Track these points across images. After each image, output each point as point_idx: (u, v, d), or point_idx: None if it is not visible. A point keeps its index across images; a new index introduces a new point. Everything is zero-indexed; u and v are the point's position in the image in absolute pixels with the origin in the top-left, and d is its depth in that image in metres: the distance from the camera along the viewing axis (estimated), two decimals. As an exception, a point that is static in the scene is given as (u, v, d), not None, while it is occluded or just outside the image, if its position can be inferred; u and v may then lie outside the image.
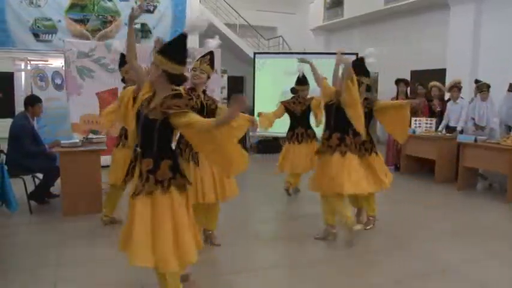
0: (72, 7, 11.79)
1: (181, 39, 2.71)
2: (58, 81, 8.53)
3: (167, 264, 2.62)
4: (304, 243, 4.35)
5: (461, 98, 7.47)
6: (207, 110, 3.79)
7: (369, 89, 4.51)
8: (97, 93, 7.68)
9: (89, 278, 3.49)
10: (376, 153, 4.64)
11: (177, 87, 2.83)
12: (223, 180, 3.82)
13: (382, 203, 6.28)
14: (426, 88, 8.28)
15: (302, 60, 5.23)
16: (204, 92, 3.91)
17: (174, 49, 2.70)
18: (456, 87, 7.39)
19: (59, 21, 11.59)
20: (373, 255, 4.12)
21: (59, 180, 5.27)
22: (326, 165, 4.21)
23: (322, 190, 4.29)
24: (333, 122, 4.26)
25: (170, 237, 2.62)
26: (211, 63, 3.90)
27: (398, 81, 8.39)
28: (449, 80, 8.40)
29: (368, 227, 4.77)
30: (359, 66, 4.26)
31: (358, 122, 4.05)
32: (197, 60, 3.88)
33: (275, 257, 4.15)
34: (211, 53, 3.94)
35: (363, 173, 4.25)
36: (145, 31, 12.60)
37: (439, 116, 7.91)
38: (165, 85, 2.70)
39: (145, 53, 8.20)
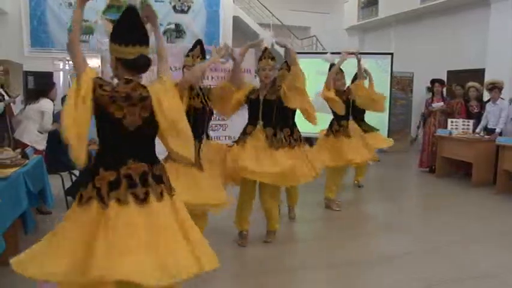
0: (108, 8, 12.05)
1: (128, 14, 2.24)
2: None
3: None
4: (333, 244, 4.31)
5: (501, 98, 7.24)
6: (208, 111, 3.66)
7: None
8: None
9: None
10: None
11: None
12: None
13: (415, 206, 6.19)
14: (464, 89, 8.08)
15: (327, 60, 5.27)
16: (200, 89, 3.67)
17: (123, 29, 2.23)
18: (497, 87, 7.16)
19: (96, 22, 11.86)
20: (404, 259, 4.03)
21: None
22: None
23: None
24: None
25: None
26: (203, 54, 3.74)
27: (433, 82, 8.22)
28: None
29: None
30: None
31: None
32: (187, 56, 3.67)
33: (303, 257, 4.13)
34: (199, 43, 3.75)
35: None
36: (179, 31, 12.75)
37: (477, 117, 7.69)
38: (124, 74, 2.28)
39: (179, 53, 8.29)
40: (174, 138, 2.31)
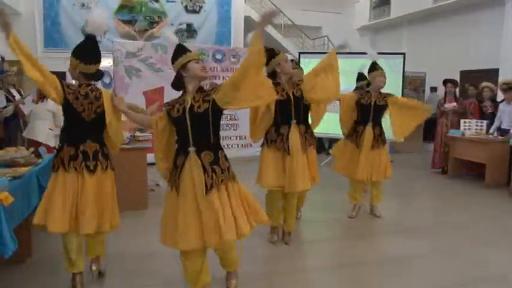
0: (120, 8, 12.14)
1: (90, 41, 3.08)
2: (106, 80, 8.76)
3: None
4: (343, 245, 4.29)
5: (516, 99, 7.15)
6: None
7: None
8: (144, 92, 7.85)
9: (134, 271, 3.57)
10: None
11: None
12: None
13: (428, 209, 6.14)
14: (477, 89, 7.99)
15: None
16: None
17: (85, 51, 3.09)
18: (512, 88, 7.07)
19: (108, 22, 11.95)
20: (415, 260, 3.99)
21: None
22: None
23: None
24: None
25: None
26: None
27: (446, 82, 8.14)
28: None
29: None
30: None
31: None
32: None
33: (313, 258, 4.11)
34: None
35: None
36: (190, 31, 12.80)
37: (491, 118, 7.60)
38: None
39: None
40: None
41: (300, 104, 3.96)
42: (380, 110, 4.87)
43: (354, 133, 4.99)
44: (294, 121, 3.96)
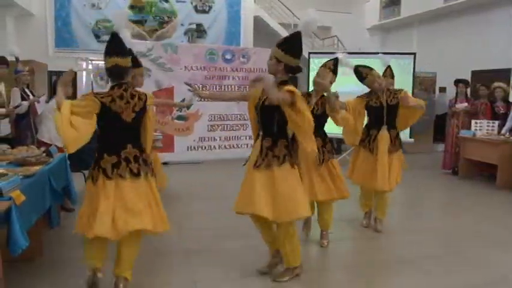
0: (130, 9, 12.19)
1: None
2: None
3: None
4: (353, 246, 4.27)
5: (529, 99, 7.09)
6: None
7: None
8: (154, 92, 7.87)
9: (143, 271, 3.59)
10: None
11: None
12: None
13: (438, 210, 6.09)
14: (489, 89, 7.92)
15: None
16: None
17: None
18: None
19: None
20: (425, 262, 3.95)
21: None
22: None
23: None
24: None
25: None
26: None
27: (457, 82, 8.08)
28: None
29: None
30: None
31: None
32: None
33: (323, 258, 4.10)
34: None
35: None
36: (200, 31, 12.83)
37: (503, 118, 7.53)
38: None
39: (200, 53, 8.34)
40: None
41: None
42: (394, 110, 4.53)
43: (366, 138, 4.62)
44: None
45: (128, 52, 3.07)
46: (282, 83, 3.13)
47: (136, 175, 2.97)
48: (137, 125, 3.07)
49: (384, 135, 4.52)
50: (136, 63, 3.99)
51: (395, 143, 4.58)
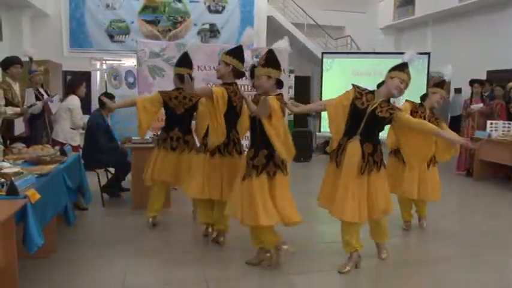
0: (144, 9, 12.26)
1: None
2: (130, 80, 8.88)
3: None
4: (367, 246, 4.24)
5: (545, 100, 6.97)
6: None
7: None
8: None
9: (157, 270, 3.60)
10: None
11: None
12: None
13: (453, 212, 6.02)
14: (504, 89, 7.81)
15: None
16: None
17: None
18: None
19: (132, 22, 12.09)
20: (441, 264, 3.92)
21: (130, 175, 5.52)
22: None
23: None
24: None
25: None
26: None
27: (472, 82, 7.99)
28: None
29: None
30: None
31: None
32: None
33: (333, 259, 4.07)
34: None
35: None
36: (213, 31, 12.84)
37: (519, 119, 7.43)
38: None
39: (213, 52, 8.34)
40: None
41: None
42: (377, 122, 3.66)
43: (337, 148, 3.78)
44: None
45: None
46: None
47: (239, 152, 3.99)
48: None
49: (353, 146, 3.61)
50: None
51: (370, 160, 3.58)
